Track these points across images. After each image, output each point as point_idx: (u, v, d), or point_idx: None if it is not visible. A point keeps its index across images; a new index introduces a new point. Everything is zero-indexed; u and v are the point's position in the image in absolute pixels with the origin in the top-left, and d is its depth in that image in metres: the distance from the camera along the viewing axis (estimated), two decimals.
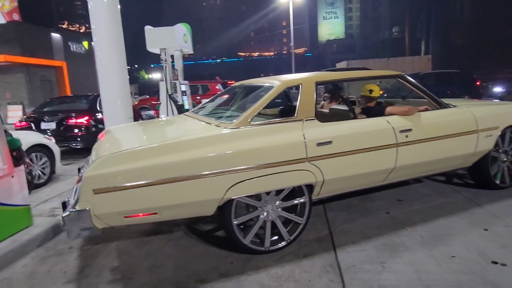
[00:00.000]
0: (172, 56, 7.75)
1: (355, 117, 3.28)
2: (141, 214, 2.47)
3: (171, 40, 6.92)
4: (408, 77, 3.62)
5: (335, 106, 3.80)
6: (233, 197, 2.63)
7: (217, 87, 15.27)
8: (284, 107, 3.88)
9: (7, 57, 18.53)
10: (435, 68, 21.46)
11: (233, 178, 2.57)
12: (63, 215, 2.34)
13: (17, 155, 3.34)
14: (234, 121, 2.82)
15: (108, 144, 2.97)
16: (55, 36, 23.16)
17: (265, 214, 2.83)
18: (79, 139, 7.40)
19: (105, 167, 2.36)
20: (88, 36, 28.72)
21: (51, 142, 5.45)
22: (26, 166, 3.50)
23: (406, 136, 3.20)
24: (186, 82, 8.15)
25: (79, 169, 3.40)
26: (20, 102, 17.49)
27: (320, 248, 2.91)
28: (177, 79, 7.55)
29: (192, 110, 4.34)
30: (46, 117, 7.58)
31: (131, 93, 6.32)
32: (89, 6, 4.74)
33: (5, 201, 3.14)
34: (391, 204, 3.76)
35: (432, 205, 3.68)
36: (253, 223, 2.84)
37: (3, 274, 2.76)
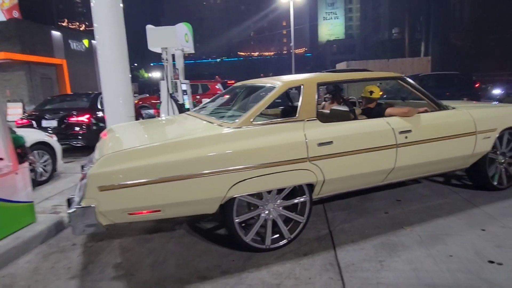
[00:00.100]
0: (173, 55, 7.78)
1: (355, 118, 3.33)
2: (145, 212, 2.52)
3: (172, 40, 6.95)
4: (408, 79, 3.66)
5: (336, 106, 3.85)
6: (235, 196, 2.67)
7: (217, 86, 15.31)
8: (285, 107, 3.92)
9: (7, 55, 18.54)
10: (434, 69, 21.51)
11: (235, 177, 2.61)
12: (69, 211, 2.39)
13: (21, 152, 3.37)
14: (236, 121, 2.86)
15: (112, 143, 3.00)
16: (55, 34, 23.15)
17: (266, 212, 2.88)
18: (80, 137, 7.43)
19: (111, 165, 2.40)
20: (88, 34, 28.73)
21: (53, 140, 5.49)
22: (29, 163, 3.53)
23: (406, 137, 3.25)
24: (187, 81, 8.19)
25: (82, 167, 3.43)
26: (20, 99, 17.48)
27: (320, 246, 2.96)
28: (178, 78, 7.59)
29: (194, 109, 4.38)
30: (47, 115, 7.61)
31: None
32: (91, 4, 4.74)
33: (10, 197, 3.18)
34: (390, 204, 3.81)
35: (430, 206, 3.73)
36: (254, 222, 2.89)
37: (8, 269, 2.80)
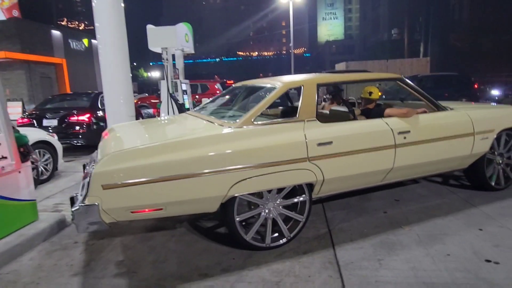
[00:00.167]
0: (173, 55, 7.80)
1: (355, 119, 3.37)
2: (147, 210, 2.55)
3: (172, 40, 6.98)
4: (407, 80, 3.70)
5: (335, 107, 3.88)
6: (236, 195, 2.71)
7: (216, 86, 15.34)
8: (285, 107, 3.96)
9: (7, 54, 18.55)
10: (433, 70, 21.58)
11: (236, 176, 2.65)
12: (73, 209, 2.42)
13: (24, 151, 3.40)
14: (237, 120, 2.90)
15: (114, 142, 3.04)
16: (55, 33, 23.17)
17: (266, 211, 2.91)
18: (80, 136, 7.47)
19: (114, 164, 2.43)
20: (87, 33, 28.70)
21: (54, 139, 5.51)
22: (32, 162, 3.56)
23: (404, 138, 3.29)
24: (187, 81, 8.21)
25: (84, 166, 3.46)
26: (19, 98, 17.47)
27: (319, 245, 2.99)
28: (178, 78, 7.61)
29: (194, 109, 4.40)
30: (48, 114, 7.64)
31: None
32: (93, 4, 4.76)
33: (13, 196, 3.21)
34: (389, 204, 3.85)
35: (428, 205, 3.77)
36: (254, 220, 2.92)
37: (12, 266, 2.83)
